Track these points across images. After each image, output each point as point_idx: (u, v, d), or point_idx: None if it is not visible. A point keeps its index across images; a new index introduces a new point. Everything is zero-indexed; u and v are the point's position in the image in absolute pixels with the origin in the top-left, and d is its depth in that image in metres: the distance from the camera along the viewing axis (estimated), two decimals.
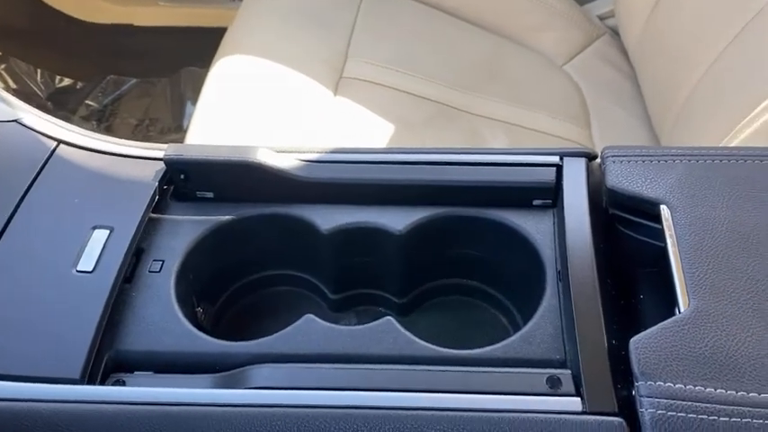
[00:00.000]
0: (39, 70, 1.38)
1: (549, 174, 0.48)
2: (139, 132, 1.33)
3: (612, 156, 0.47)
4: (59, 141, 0.53)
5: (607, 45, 1.08)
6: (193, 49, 1.37)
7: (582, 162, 0.48)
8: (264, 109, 0.85)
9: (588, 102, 1.00)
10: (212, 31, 1.35)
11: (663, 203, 0.43)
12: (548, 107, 0.96)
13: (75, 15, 1.36)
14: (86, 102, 1.35)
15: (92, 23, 1.37)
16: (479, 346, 0.42)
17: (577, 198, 0.46)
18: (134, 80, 1.38)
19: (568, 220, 0.45)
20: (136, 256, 0.47)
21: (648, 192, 0.44)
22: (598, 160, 0.49)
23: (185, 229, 0.50)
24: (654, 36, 0.93)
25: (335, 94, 0.89)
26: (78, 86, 1.38)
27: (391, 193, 0.49)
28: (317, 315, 0.44)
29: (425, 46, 0.99)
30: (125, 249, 0.46)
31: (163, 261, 0.48)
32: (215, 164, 0.50)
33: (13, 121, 0.52)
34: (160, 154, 0.51)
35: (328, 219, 0.49)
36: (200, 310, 0.50)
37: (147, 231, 0.49)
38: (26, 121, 0.53)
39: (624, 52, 1.05)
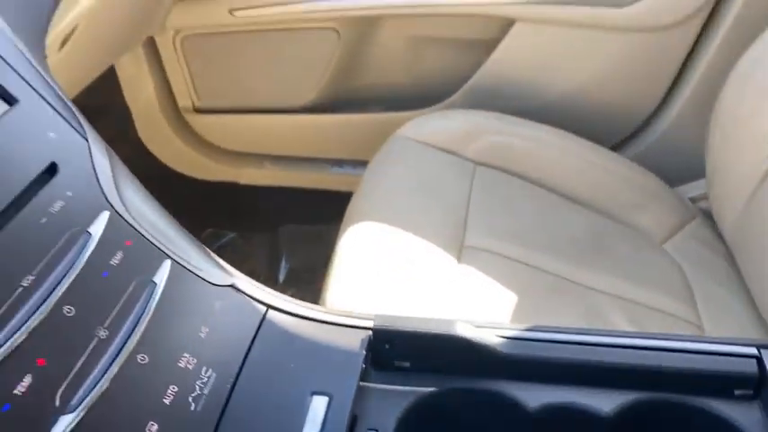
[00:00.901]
0: None
1: (751, 365, 0.50)
2: None
3: None
4: (269, 306, 0.57)
5: (702, 226, 1.13)
6: (293, 208, 1.46)
7: None
8: (395, 273, 0.90)
9: (690, 280, 1.04)
10: (312, 192, 1.45)
11: None
12: (655, 284, 0.99)
13: (185, 172, 1.47)
14: None
15: (198, 180, 1.47)
16: None
17: None
18: (232, 234, 1.45)
19: None
20: (351, 423, 0.49)
21: None
22: None
23: (392, 399, 0.52)
24: (754, 222, 0.98)
25: (459, 262, 0.93)
26: None
27: (594, 375, 0.51)
28: None
29: (534, 219, 1.05)
30: (346, 417, 0.48)
31: (376, 430, 0.49)
32: (420, 335, 0.53)
33: (229, 285, 0.56)
34: (366, 323, 0.55)
35: (532, 396, 0.51)
36: None
37: (356, 398, 0.51)
38: (240, 285, 0.57)
39: (719, 234, 1.10)
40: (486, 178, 1.09)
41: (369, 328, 0.54)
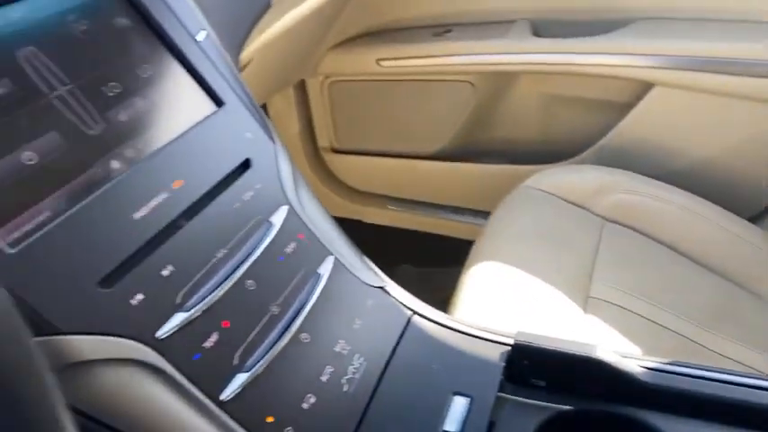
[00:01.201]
0: None
1: None
2: None
3: None
4: (415, 312, 0.60)
5: None
6: (410, 250, 1.51)
7: None
8: (520, 315, 0.91)
9: None
10: (430, 236, 1.49)
11: None
12: None
13: None
14: None
15: None
16: None
17: None
18: None
19: None
20: (488, 428, 0.51)
21: None
22: None
23: (529, 412, 0.53)
24: None
25: (585, 312, 0.93)
26: None
27: (729, 411, 0.51)
28: None
29: (662, 279, 1.03)
30: (486, 419, 0.50)
31: None
32: (560, 355, 0.55)
33: (380, 288, 0.61)
34: (506, 339, 0.57)
35: (672, 428, 0.51)
36: None
37: (495, 405, 0.53)
38: (389, 289, 0.61)
39: None
40: (615, 234, 1.09)
41: (508, 344, 0.57)
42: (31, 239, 0.41)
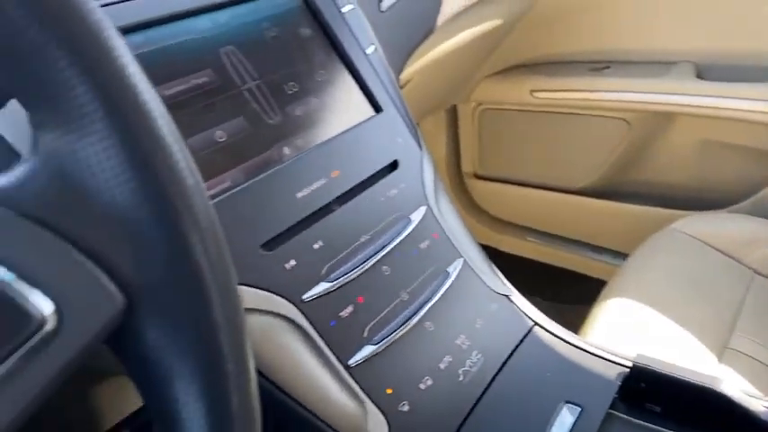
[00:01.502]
0: None
1: None
2: None
3: None
4: (536, 323, 0.63)
5: None
6: (541, 282, 1.50)
7: None
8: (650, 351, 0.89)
9: None
10: (563, 271, 1.48)
11: None
12: None
13: None
14: None
15: None
16: None
17: None
18: None
19: None
20: None
21: None
22: None
23: None
24: None
25: (719, 361, 0.90)
26: None
27: None
28: None
29: None
30: (593, 431, 0.52)
31: None
32: (681, 383, 0.55)
33: (505, 295, 0.64)
34: (625, 361, 0.58)
35: None
36: None
37: (605, 419, 0.54)
38: (514, 298, 0.64)
39: None
40: (766, 289, 1.03)
41: (627, 366, 0.57)
42: (213, 201, 0.49)
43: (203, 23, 0.54)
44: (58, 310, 0.21)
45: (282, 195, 0.52)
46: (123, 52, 0.23)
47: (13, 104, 0.23)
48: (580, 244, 1.49)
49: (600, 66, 1.33)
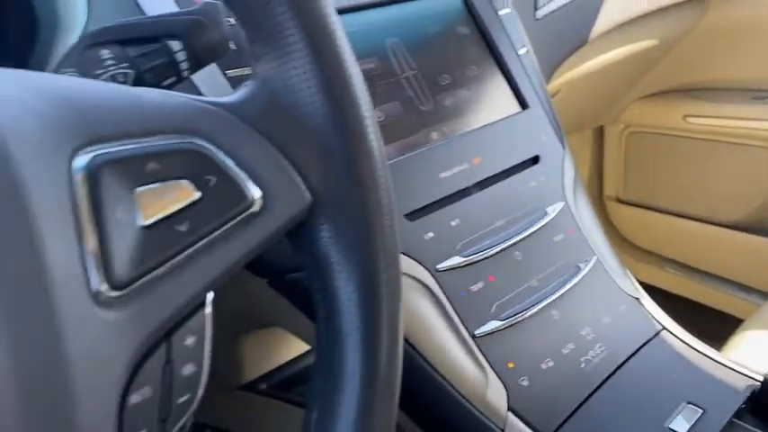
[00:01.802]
0: None
1: None
2: None
3: None
4: (665, 327, 0.63)
5: None
6: (675, 315, 1.44)
7: None
8: None
9: None
10: (697, 306, 1.41)
11: None
12: None
13: None
14: None
15: None
16: None
17: None
18: None
19: None
20: None
21: None
22: None
23: None
24: None
25: None
26: None
27: None
28: None
29: None
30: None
31: None
32: None
33: (635, 298, 0.64)
34: (755, 375, 0.56)
35: None
36: None
37: (727, 425, 0.53)
38: (644, 302, 0.64)
39: None
40: None
41: (758, 380, 0.56)
42: None
43: (374, 16, 0.60)
44: (264, 197, 0.27)
45: (427, 174, 0.57)
46: (328, 8, 0.29)
47: None
48: (722, 279, 1.42)
49: (764, 94, 1.27)
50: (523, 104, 0.67)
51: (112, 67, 0.34)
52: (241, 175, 0.26)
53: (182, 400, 0.26)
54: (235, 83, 0.51)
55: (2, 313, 0.20)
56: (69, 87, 0.25)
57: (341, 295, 0.29)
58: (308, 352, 0.82)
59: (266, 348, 0.81)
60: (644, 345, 0.60)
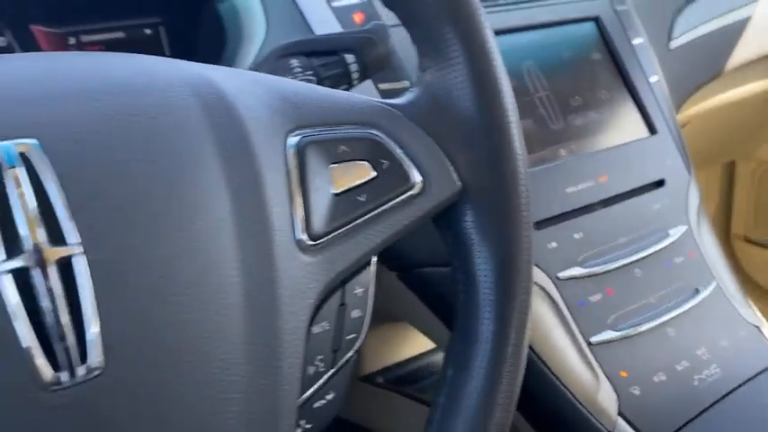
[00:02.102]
0: None
1: None
2: None
3: None
4: None
5: None
6: None
7: None
8: None
9: None
10: None
11: None
12: None
13: None
14: None
15: None
16: None
17: None
18: None
19: None
20: None
21: None
22: None
23: None
24: None
25: None
26: None
27: None
28: None
29: None
30: None
31: None
32: None
33: (755, 326, 0.65)
34: None
35: None
36: None
37: None
38: (765, 331, 0.64)
39: None
40: None
41: None
42: None
43: (515, 40, 0.65)
44: (423, 181, 0.32)
45: (555, 187, 0.61)
46: (487, 30, 0.34)
47: None
48: None
49: None
50: (652, 130, 0.69)
51: (300, 74, 0.42)
52: (407, 162, 0.32)
53: (349, 337, 0.32)
54: (384, 95, 0.58)
55: (241, 243, 0.26)
56: (284, 85, 0.32)
57: (479, 273, 0.34)
58: (428, 351, 0.87)
59: (386, 343, 0.86)
60: (762, 372, 0.60)
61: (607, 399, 0.55)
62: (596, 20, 0.71)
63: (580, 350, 0.57)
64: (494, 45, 0.35)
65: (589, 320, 0.58)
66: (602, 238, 0.62)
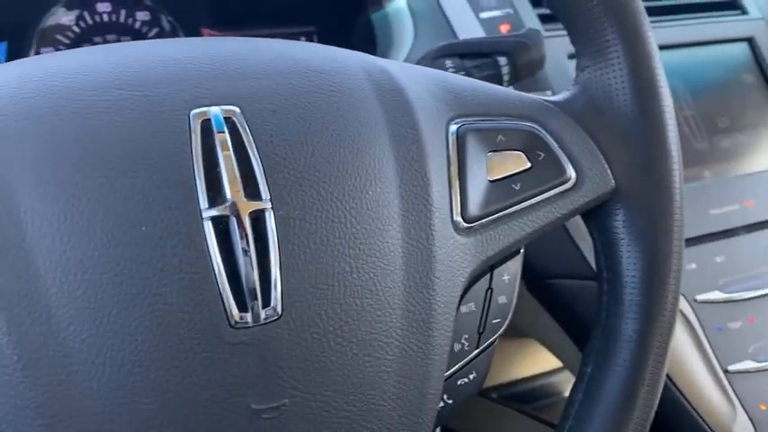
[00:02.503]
0: None
1: None
2: None
3: None
4: None
5: None
6: None
7: None
8: None
9: None
10: None
11: None
12: None
13: None
14: None
15: None
16: None
17: None
18: None
19: None
20: None
21: None
22: None
23: None
24: None
25: None
26: None
27: None
28: None
29: None
30: None
31: None
32: None
33: None
34: None
35: None
36: None
37: None
38: None
39: None
40: None
41: None
42: None
43: (663, 56, 0.64)
44: (577, 177, 0.33)
45: (697, 208, 0.59)
46: (648, 34, 0.34)
47: None
48: None
49: None
50: None
51: (453, 74, 0.44)
52: (563, 156, 0.33)
53: (495, 321, 0.33)
54: None
55: (404, 215, 0.28)
56: (446, 77, 0.34)
57: (627, 273, 0.33)
58: (545, 372, 0.86)
59: (504, 360, 0.86)
60: None
61: (743, 431, 0.52)
62: (750, 40, 0.69)
63: (716, 377, 0.54)
64: (656, 49, 0.35)
65: (727, 347, 0.55)
66: (745, 264, 0.59)
